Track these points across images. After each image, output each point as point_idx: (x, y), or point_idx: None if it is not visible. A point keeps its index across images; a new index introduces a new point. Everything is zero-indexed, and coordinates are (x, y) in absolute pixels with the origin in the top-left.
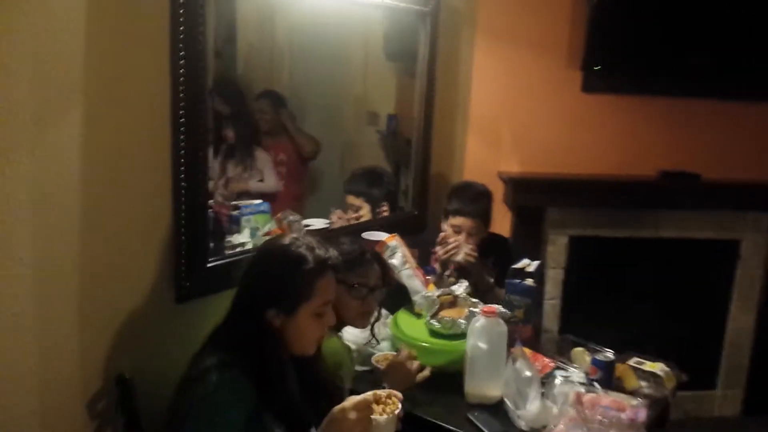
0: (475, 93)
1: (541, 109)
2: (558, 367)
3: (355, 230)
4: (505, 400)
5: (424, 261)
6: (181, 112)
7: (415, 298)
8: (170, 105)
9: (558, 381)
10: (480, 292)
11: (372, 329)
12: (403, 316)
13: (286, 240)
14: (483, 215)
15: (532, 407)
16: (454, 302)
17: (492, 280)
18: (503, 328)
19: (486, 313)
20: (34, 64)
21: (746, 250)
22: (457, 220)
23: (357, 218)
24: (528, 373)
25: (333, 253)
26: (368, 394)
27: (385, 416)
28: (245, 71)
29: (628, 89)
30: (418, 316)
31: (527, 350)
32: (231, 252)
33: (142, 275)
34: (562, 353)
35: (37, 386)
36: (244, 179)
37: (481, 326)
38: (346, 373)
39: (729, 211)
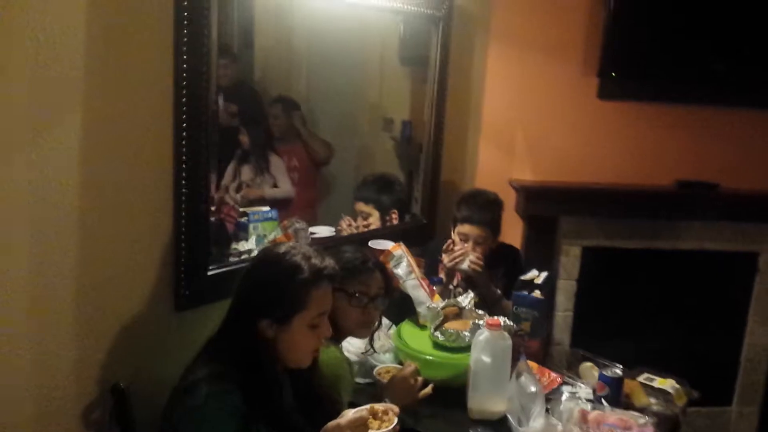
0: (488, 99)
1: (555, 115)
2: (565, 383)
3: (360, 239)
4: (509, 416)
5: (432, 271)
6: (183, 117)
7: (420, 309)
8: (172, 111)
9: (564, 397)
10: (487, 304)
11: (371, 339)
12: (406, 327)
13: (282, 249)
14: (492, 224)
15: (535, 424)
16: (459, 314)
17: (500, 291)
18: (508, 341)
19: (490, 326)
20: (34, 68)
21: (765, 263)
22: (465, 228)
23: (366, 225)
24: (532, 389)
25: (329, 262)
26: (364, 410)
27: None
28: (262, 77)
29: (645, 96)
30: (423, 327)
31: (533, 365)
32: (235, 260)
33: (141, 283)
34: (570, 368)
35: (32, 394)
36: (258, 184)
37: (485, 339)
38: (345, 386)
39: (748, 222)
